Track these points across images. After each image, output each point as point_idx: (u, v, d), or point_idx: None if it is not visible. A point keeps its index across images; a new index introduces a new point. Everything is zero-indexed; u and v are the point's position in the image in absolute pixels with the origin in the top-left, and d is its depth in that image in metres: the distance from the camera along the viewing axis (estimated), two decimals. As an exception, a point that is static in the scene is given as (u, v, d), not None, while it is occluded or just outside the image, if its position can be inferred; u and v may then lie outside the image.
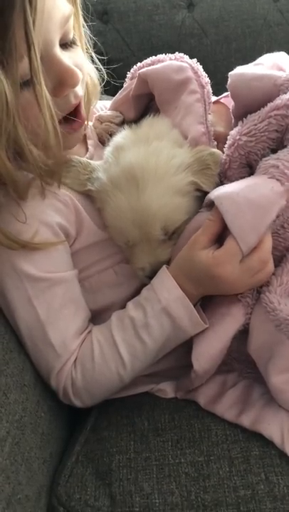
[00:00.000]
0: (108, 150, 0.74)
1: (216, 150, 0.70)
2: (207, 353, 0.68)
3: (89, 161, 0.74)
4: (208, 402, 0.72)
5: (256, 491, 0.63)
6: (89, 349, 0.69)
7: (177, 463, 0.66)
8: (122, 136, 0.74)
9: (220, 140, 0.72)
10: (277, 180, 0.63)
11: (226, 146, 0.69)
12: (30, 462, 0.63)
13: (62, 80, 0.65)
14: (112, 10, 1.20)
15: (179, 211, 0.68)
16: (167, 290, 0.67)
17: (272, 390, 0.67)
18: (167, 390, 0.76)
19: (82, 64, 0.71)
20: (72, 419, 0.78)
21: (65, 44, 0.67)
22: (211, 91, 0.75)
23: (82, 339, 0.69)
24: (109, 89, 0.89)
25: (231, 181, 0.68)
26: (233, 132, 0.69)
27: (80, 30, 0.75)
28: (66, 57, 0.65)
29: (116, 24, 1.19)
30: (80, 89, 0.70)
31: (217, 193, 0.65)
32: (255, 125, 0.67)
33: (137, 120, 0.80)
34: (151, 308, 0.67)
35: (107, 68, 0.85)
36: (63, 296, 0.69)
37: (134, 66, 0.82)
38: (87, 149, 0.81)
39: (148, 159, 0.67)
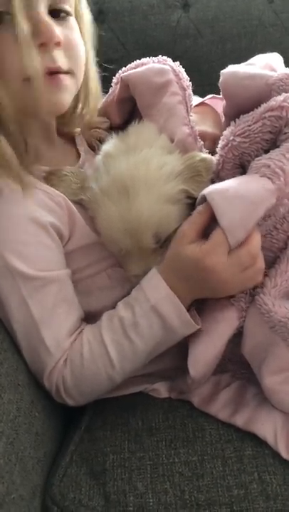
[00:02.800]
0: (98, 159, 0.74)
1: (207, 156, 0.70)
2: (203, 359, 0.68)
3: (80, 170, 0.74)
4: (202, 402, 0.72)
5: (249, 490, 0.63)
6: (79, 348, 0.69)
7: (171, 462, 0.66)
8: (110, 145, 0.74)
9: (206, 138, 0.73)
10: (269, 178, 0.63)
11: (219, 146, 0.70)
12: (25, 462, 0.63)
13: (36, 31, 0.65)
14: (107, 9, 1.19)
15: (170, 219, 0.68)
16: (156, 289, 0.67)
17: (265, 390, 0.67)
18: (161, 390, 0.76)
19: (73, 41, 0.71)
20: (66, 418, 0.78)
21: (55, 11, 0.68)
22: (192, 94, 0.76)
23: (74, 338, 0.70)
24: (104, 90, 0.89)
25: (224, 181, 0.68)
26: (227, 133, 0.69)
27: (82, 19, 0.76)
28: (50, 20, 0.66)
29: (111, 24, 1.19)
30: (60, 57, 0.69)
31: (209, 189, 0.65)
32: (249, 126, 0.67)
33: (123, 125, 0.80)
34: (140, 308, 0.67)
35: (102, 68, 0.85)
36: (56, 295, 0.69)
37: (120, 71, 0.82)
38: (78, 156, 0.81)
39: (138, 168, 0.67)
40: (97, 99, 0.83)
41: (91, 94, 0.80)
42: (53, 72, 0.68)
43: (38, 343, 0.68)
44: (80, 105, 0.80)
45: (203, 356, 0.68)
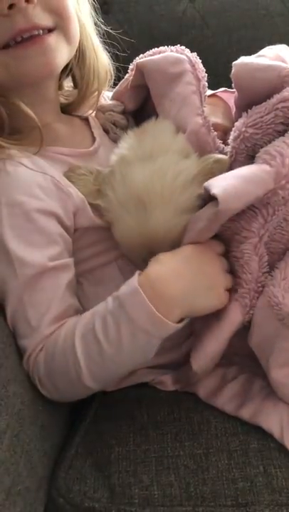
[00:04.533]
0: (114, 159, 0.73)
1: (222, 157, 0.69)
2: (205, 355, 0.68)
3: (99, 169, 0.73)
4: (208, 394, 0.72)
5: (255, 483, 0.63)
6: (55, 337, 0.65)
7: (176, 455, 0.66)
8: (126, 146, 0.74)
9: (217, 130, 0.72)
10: (267, 163, 0.63)
11: (231, 138, 0.69)
12: (31, 454, 0.63)
13: None
14: (112, 0, 1.19)
15: None
16: (127, 284, 0.62)
17: (273, 383, 0.67)
18: (168, 382, 0.76)
19: (61, 7, 0.68)
20: (72, 411, 0.78)
21: None
22: (206, 85, 0.75)
23: (58, 326, 0.66)
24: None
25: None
26: (239, 124, 0.68)
27: None
28: None
29: (116, 15, 1.18)
30: (35, 14, 0.65)
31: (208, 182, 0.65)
32: (262, 117, 0.66)
33: (137, 110, 0.80)
34: (112, 303, 0.62)
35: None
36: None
37: (137, 58, 0.82)
38: (93, 139, 0.81)
39: (153, 180, 0.67)
40: (104, 74, 0.82)
41: (91, 66, 0.79)
42: (34, 35, 0.65)
43: (23, 323, 0.65)
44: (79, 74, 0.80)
45: (205, 352, 0.67)
